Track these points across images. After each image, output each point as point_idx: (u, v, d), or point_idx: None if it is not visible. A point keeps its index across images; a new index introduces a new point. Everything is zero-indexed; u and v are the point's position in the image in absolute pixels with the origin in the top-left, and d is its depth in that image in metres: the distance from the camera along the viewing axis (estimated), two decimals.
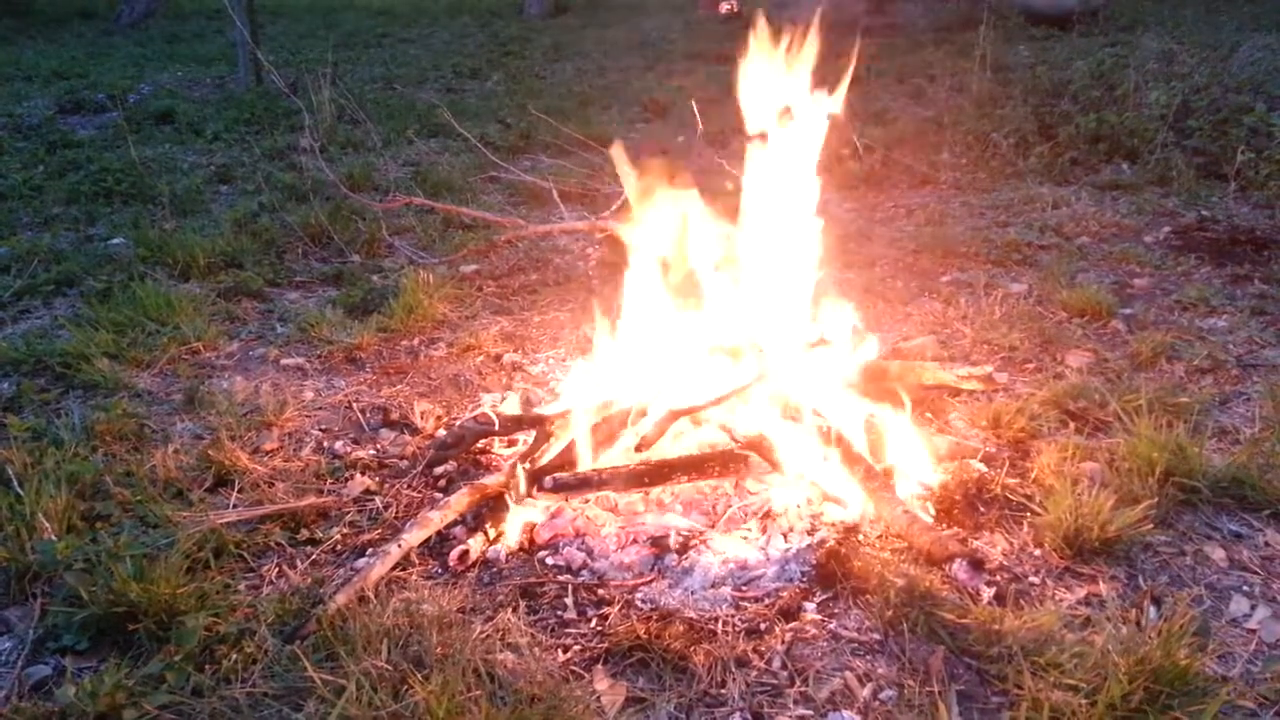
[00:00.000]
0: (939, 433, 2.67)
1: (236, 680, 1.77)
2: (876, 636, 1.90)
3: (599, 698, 1.76)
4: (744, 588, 2.05)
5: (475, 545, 2.17)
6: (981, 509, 2.30)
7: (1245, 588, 2.05)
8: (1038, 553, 2.15)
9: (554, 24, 13.41)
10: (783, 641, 1.89)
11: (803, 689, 1.78)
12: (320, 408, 2.95)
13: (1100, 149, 5.49)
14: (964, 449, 2.54)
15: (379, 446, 2.70)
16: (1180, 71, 5.96)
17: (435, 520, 2.21)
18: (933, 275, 3.97)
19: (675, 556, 2.16)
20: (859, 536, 2.20)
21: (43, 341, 3.29)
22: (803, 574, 2.09)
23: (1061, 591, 2.03)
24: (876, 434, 2.51)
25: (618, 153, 2.64)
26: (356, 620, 1.86)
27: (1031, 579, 2.07)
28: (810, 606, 1.99)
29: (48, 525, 2.17)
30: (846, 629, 1.93)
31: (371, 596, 1.96)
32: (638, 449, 2.37)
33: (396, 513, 2.37)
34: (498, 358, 3.29)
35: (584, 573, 2.13)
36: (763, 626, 1.93)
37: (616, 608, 1.99)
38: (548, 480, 2.23)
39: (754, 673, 1.82)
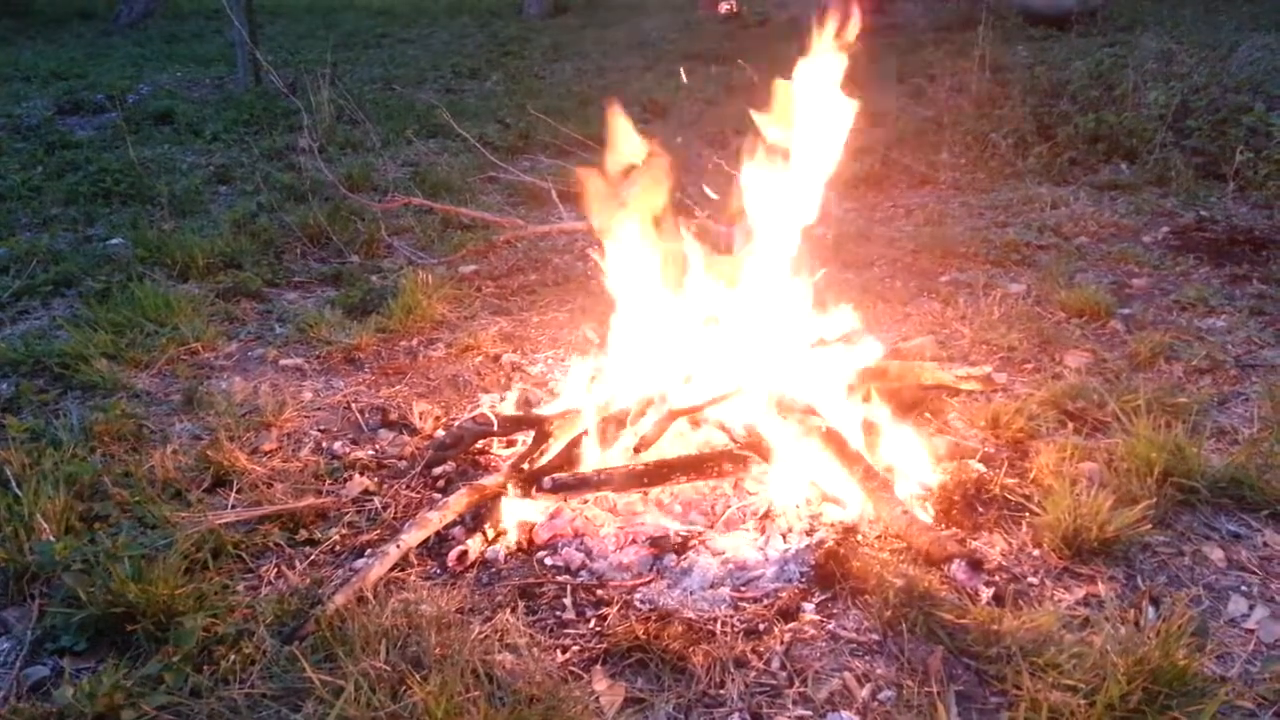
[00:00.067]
0: (938, 433, 2.67)
1: (235, 681, 1.77)
2: (875, 637, 1.90)
3: (598, 698, 1.76)
4: (743, 588, 2.05)
5: (474, 546, 2.17)
6: (980, 509, 2.30)
7: (1244, 588, 2.05)
8: (1036, 553, 2.15)
9: (553, 24, 13.41)
10: (781, 642, 1.89)
11: (801, 689, 1.78)
12: (319, 408, 2.95)
13: (1099, 149, 5.49)
14: (963, 449, 2.54)
15: (378, 447, 2.70)
16: (1179, 71, 5.96)
17: (434, 521, 2.21)
18: (931, 275, 3.97)
19: (674, 557, 2.16)
20: (858, 537, 2.20)
21: (41, 342, 3.29)
22: (801, 574, 2.09)
23: (1060, 592, 2.03)
24: (875, 434, 2.51)
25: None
26: (355, 621, 1.86)
27: (1030, 579, 2.07)
28: (809, 607, 1.99)
29: (46, 526, 2.17)
30: (845, 629, 1.93)
31: (370, 597, 1.96)
32: (637, 449, 2.37)
33: (395, 513, 2.37)
34: (496, 358, 3.29)
35: (583, 573, 2.13)
36: (761, 627, 1.93)
37: (615, 608, 1.99)
38: (546, 480, 2.23)
39: (753, 673, 1.82)
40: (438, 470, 2.53)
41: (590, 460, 2.41)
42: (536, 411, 2.70)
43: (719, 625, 1.92)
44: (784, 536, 2.22)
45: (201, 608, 1.93)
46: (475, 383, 3.10)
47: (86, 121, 7.19)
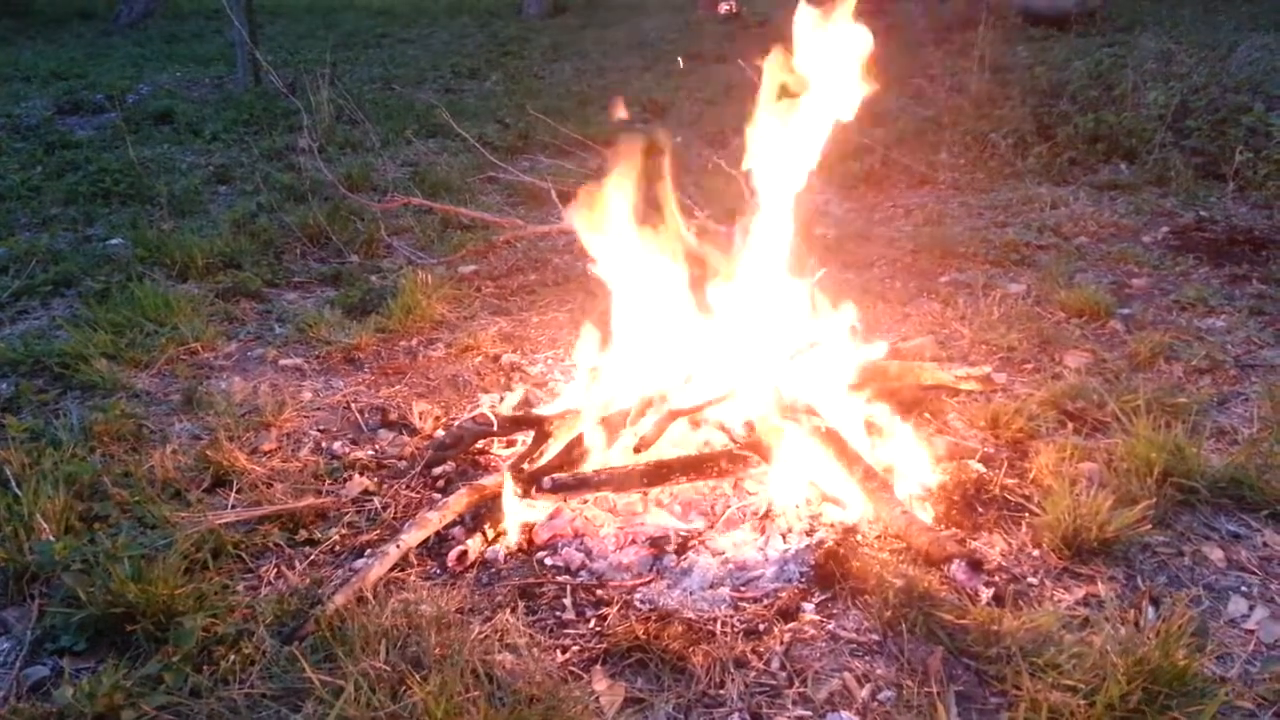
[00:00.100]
0: (937, 433, 2.67)
1: (234, 681, 1.77)
2: (875, 637, 1.90)
3: (597, 698, 1.76)
4: (742, 588, 2.05)
5: (474, 546, 2.17)
6: (980, 509, 2.30)
7: (1243, 588, 2.05)
8: (1036, 553, 2.15)
9: (553, 24, 13.41)
10: (781, 642, 1.89)
11: (801, 689, 1.78)
12: (318, 408, 2.94)
13: (1098, 149, 5.50)
14: (962, 449, 2.54)
15: (377, 447, 2.70)
16: (1178, 72, 5.96)
17: (434, 521, 2.21)
18: (931, 275, 3.97)
19: (674, 557, 2.16)
20: (857, 537, 2.20)
21: (41, 342, 3.29)
22: (801, 574, 2.09)
23: (1060, 592, 2.03)
24: (875, 434, 2.51)
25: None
26: (355, 621, 1.86)
27: (1030, 579, 2.07)
28: (809, 607, 1.99)
29: (45, 526, 2.17)
30: (845, 630, 1.93)
31: (370, 597, 1.96)
32: (636, 449, 2.37)
33: (395, 513, 2.37)
34: (496, 358, 3.29)
35: (583, 573, 2.13)
36: (761, 627, 1.93)
37: (615, 608, 1.99)
38: (546, 481, 2.23)
39: (752, 673, 1.82)
40: (437, 470, 2.53)
41: (590, 460, 2.41)
42: (536, 411, 2.70)
43: (719, 625, 1.92)
44: (784, 537, 2.22)
45: (201, 608, 1.93)
46: (475, 383, 3.10)
47: (86, 121, 7.19)
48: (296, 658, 1.77)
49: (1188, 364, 3.05)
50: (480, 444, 2.62)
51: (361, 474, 2.53)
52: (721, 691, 1.77)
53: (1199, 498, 2.29)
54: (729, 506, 2.35)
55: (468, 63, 9.91)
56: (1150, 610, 1.94)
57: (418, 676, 1.69)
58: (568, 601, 2.03)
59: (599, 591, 2.06)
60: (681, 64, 7.74)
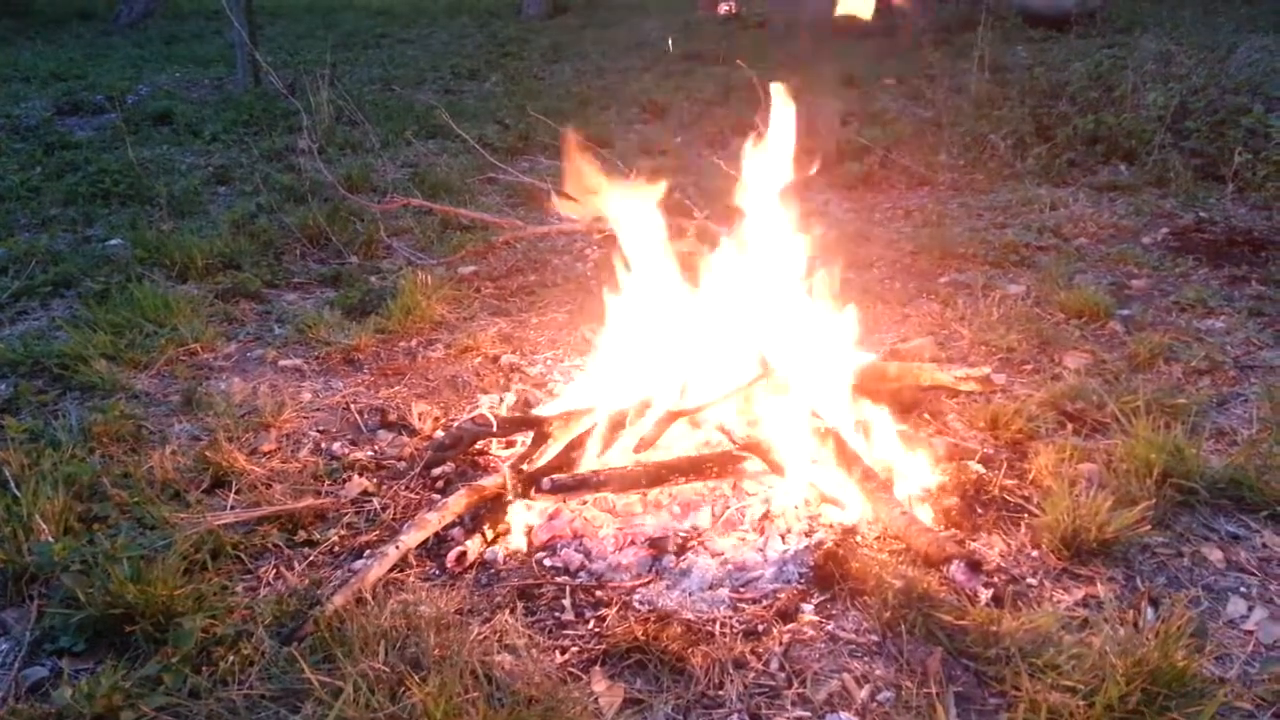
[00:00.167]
0: (937, 434, 2.67)
1: (234, 682, 1.77)
2: (874, 638, 1.90)
3: (597, 699, 1.76)
4: (742, 589, 2.05)
5: (473, 547, 2.17)
6: (979, 510, 2.30)
7: (1243, 589, 2.05)
8: (1035, 554, 2.15)
9: (552, 24, 13.41)
10: (780, 643, 1.89)
11: (800, 690, 1.78)
12: (318, 409, 2.94)
13: (1098, 150, 5.50)
14: (962, 450, 2.54)
15: (377, 448, 2.70)
16: (1178, 73, 5.96)
17: (433, 522, 2.20)
18: (930, 276, 3.97)
19: (673, 558, 2.16)
20: (857, 538, 2.20)
21: (40, 343, 3.29)
22: (801, 575, 2.09)
23: (1059, 593, 2.03)
24: (874, 435, 2.50)
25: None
26: (354, 622, 1.86)
27: (1029, 580, 2.07)
28: (808, 608, 1.99)
29: (45, 527, 2.17)
30: (844, 630, 1.93)
31: (369, 598, 1.96)
32: (636, 450, 2.37)
33: (394, 514, 2.37)
34: (496, 359, 3.29)
35: (582, 574, 2.13)
36: (760, 628, 1.93)
37: (614, 609, 1.99)
38: (546, 481, 2.23)
39: (752, 674, 1.82)
40: (437, 471, 2.53)
41: (589, 461, 2.41)
42: (535, 412, 2.70)
43: (718, 626, 1.92)
44: (783, 537, 2.22)
45: (200, 609, 1.93)
46: (474, 383, 3.10)
47: (86, 122, 7.19)
48: (295, 658, 1.77)
49: (1187, 365, 3.05)
50: (479, 445, 2.62)
51: (361, 475, 2.53)
52: (720, 692, 1.77)
53: (1198, 499, 2.29)
54: (728, 507, 2.35)
55: (467, 63, 9.91)
56: (1149, 611, 1.94)
57: (417, 677, 1.69)
58: (567, 602, 2.03)
59: (598, 592, 2.06)
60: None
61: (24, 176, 5.44)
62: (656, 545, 2.19)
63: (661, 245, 2.65)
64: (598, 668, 1.84)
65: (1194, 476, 2.30)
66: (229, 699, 1.73)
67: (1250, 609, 1.99)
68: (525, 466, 2.39)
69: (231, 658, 1.81)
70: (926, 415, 2.76)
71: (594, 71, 9.41)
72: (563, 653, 1.88)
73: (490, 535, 2.22)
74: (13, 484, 2.31)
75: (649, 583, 2.08)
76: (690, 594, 2.04)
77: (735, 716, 1.72)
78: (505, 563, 2.18)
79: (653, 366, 2.57)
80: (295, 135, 6.35)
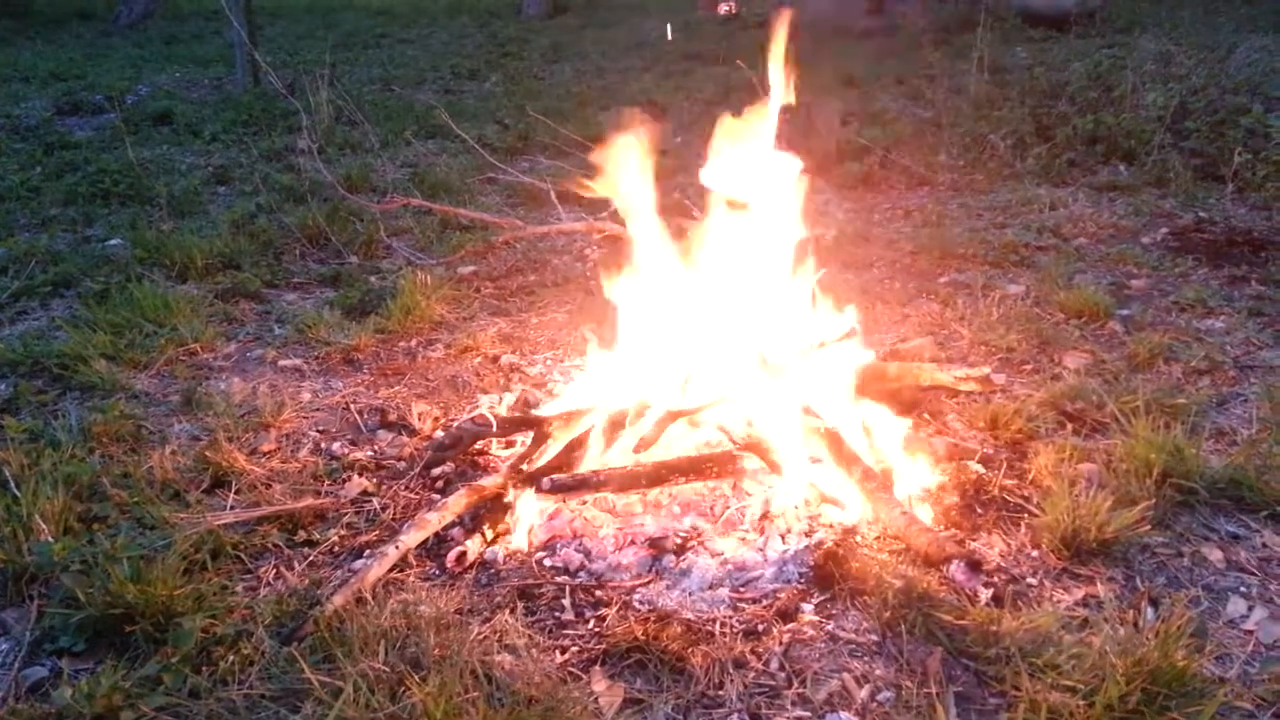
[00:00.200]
0: (937, 434, 2.67)
1: (234, 682, 1.77)
2: (874, 638, 1.90)
3: (597, 699, 1.76)
4: (742, 589, 2.05)
5: (473, 547, 2.17)
6: (979, 510, 2.30)
7: (1243, 589, 2.05)
8: (1035, 554, 2.15)
9: (552, 24, 13.41)
10: (780, 643, 1.89)
11: (800, 690, 1.78)
12: (318, 409, 2.94)
13: (1098, 150, 5.50)
14: (962, 450, 2.54)
15: (376, 448, 2.70)
16: (1177, 73, 5.96)
17: (433, 522, 2.20)
18: (930, 276, 3.97)
19: (673, 558, 2.16)
20: (857, 538, 2.20)
21: (40, 343, 3.29)
22: (800, 575, 2.09)
23: (1059, 593, 2.03)
24: (874, 435, 2.50)
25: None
26: (354, 622, 1.86)
27: (1029, 580, 2.07)
28: (808, 608, 1.99)
29: (44, 527, 2.17)
30: (844, 630, 1.93)
31: (369, 598, 1.96)
32: (636, 450, 2.37)
33: (394, 514, 2.37)
34: (495, 359, 3.29)
35: (582, 574, 2.13)
36: (760, 628, 1.93)
37: (614, 609, 1.99)
38: (545, 481, 2.23)
39: (752, 674, 1.82)
40: (436, 471, 2.53)
41: (589, 461, 2.41)
42: (535, 412, 2.70)
43: (718, 626, 1.92)
44: (783, 537, 2.22)
45: (200, 609, 1.93)
46: (474, 383, 3.10)
47: (85, 122, 7.19)
48: (295, 658, 1.77)
49: (1187, 365, 3.05)
50: (479, 445, 2.62)
51: (360, 475, 2.53)
52: (720, 692, 1.77)
53: (1198, 498, 2.29)
54: (728, 507, 2.35)
55: (467, 63, 9.91)
56: (1149, 611, 1.94)
57: (417, 677, 1.69)
58: (567, 602, 2.03)
59: (598, 592, 2.06)
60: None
61: (24, 176, 5.45)
62: (656, 545, 2.19)
63: (663, 241, 2.64)
64: (598, 667, 1.84)
65: (1194, 476, 2.30)
66: (229, 699, 1.73)
67: (1250, 609, 1.99)
68: (525, 466, 2.39)
69: (231, 658, 1.81)
70: (926, 415, 2.76)
71: (594, 71, 9.42)
72: (563, 653, 1.88)
73: (490, 535, 2.22)
74: (13, 484, 2.31)
75: (649, 582, 2.08)
76: (690, 594, 2.04)
77: (735, 716, 1.72)
78: (505, 563, 2.18)
79: (652, 366, 2.57)
80: (295, 135, 6.35)
